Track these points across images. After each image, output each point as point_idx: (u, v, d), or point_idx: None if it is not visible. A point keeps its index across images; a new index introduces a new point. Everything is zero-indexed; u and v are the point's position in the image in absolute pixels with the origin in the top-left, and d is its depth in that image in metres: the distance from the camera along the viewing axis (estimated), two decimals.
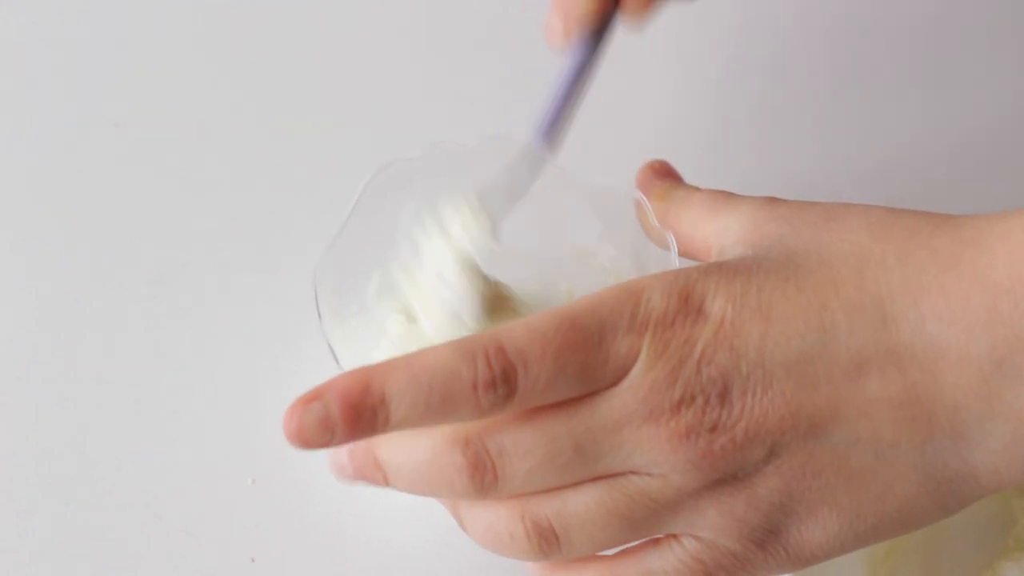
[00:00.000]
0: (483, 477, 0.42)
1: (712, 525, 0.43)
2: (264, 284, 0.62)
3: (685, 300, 0.43)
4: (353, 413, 0.41)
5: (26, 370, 0.59)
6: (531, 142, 0.49)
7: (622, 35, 0.51)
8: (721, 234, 0.48)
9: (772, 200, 0.48)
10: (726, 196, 0.49)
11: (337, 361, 0.51)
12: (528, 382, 0.41)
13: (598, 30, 0.49)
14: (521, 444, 0.42)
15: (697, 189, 0.51)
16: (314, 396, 0.42)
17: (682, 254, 0.50)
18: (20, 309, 0.61)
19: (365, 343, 0.55)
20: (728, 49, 0.70)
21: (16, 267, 0.62)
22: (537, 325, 0.42)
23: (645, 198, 0.51)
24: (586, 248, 0.59)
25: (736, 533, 0.43)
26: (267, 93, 0.68)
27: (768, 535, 0.43)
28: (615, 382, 0.42)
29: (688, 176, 0.53)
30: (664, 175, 0.52)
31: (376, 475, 0.45)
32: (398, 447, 0.44)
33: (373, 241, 0.54)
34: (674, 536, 0.44)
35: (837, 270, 0.43)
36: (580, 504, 0.43)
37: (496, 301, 0.49)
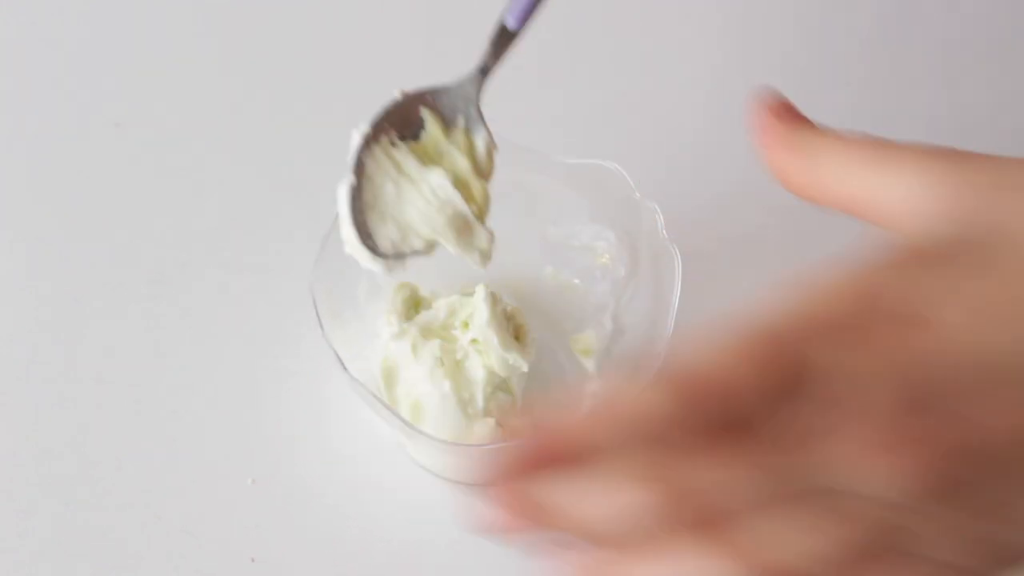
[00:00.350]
0: (679, 512, 0.38)
1: (944, 546, 0.38)
2: (264, 284, 0.62)
3: (885, 301, 0.38)
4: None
5: (26, 370, 0.59)
6: (501, 19, 0.48)
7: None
8: (889, 198, 0.42)
9: (952, 154, 0.42)
10: (883, 146, 0.43)
11: (343, 366, 0.51)
12: (724, 404, 0.37)
13: None
14: (717, 473, 0.38)
15: (832, 133, 0.44)
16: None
17: (824, 206, 0.44)
18: (20, 309, 0.61)
19: (360, 344, 0.55)
20: (728, 44, 0.70)
21: (16, 267, 0.62)
22: (731, 344, 0.37)
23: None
24: (570, 227, 0.58)
25: (971, 552, 0.38)
26: (267, 93, 0.68)
27: (1006, 551, 0.38)
28: (815, 395, 0.37)
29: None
30: (789, 119, 0.45)
31: (546, 521, 0.39)
32: (576, 489, 0.39)
33: None
34: (905, 563, 0.39)
35: None
36: (801, 539, 0.38)
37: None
